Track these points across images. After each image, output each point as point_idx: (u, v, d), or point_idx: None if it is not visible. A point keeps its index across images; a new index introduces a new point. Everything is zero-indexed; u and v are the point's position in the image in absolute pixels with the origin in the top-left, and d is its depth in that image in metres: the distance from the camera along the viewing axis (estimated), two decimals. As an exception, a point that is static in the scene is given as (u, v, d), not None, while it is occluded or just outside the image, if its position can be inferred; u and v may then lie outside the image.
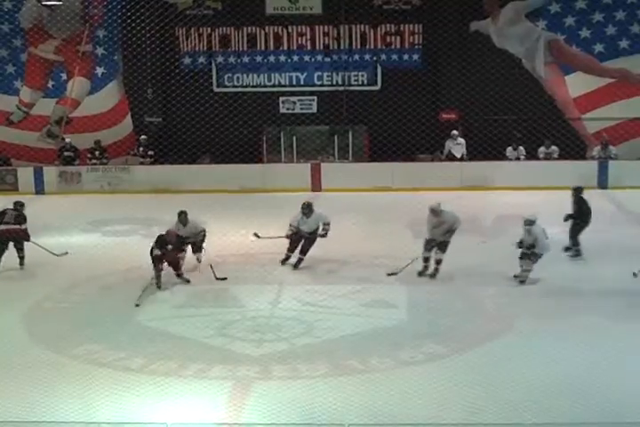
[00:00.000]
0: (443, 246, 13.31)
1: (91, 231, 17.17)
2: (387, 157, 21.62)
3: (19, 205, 14.56)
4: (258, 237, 13.88)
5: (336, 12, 22.92)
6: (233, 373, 9.82)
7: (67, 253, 14.90)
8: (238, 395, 9.32)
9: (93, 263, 14.35)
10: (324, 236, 13.80)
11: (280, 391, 9.24)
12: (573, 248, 14.34)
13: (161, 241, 12.74)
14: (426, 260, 13.39)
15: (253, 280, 13.36)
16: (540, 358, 9.97)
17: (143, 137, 22.71)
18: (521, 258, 13.05)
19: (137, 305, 12.01)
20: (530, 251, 12.90)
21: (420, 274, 13.36)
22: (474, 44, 22.29)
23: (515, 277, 13.10)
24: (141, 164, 22.32)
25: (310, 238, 13.82)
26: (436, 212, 13.28)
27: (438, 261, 13.34)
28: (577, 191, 14.50)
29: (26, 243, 14.37)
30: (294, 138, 22.90)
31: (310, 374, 9.74)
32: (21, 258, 14.37)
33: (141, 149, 22.54)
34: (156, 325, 11.49)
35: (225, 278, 13.23)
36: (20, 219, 14.35)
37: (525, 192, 19.26)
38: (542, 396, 8.93)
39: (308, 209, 13.81)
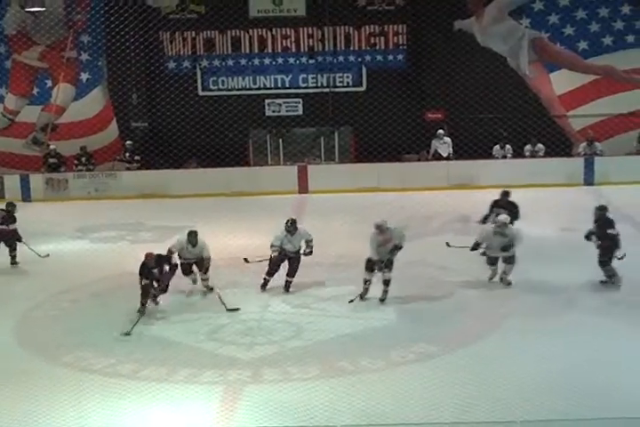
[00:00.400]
0: (389, 264, 12.17)
1: (79, 238, 17.07)
2: (373, 158, 21.60)
3: (10, 206, 14.68)
4: (247, 261, 13.55)
5: (320, 14, 22.90)
6: (224, 377, 9.82)
7: (48, 255, 14.97)
8: (230, 399, 9.32)
9: (82, 270, 14.31)
10: (308, 254, 12.99)
11: (272, 395, 9.25)
12: None
13: (145, 270, 11.86)
14: (366, 282, 12.27)
15: (243, 284, 13.31)
16: (530, 356, 10.02)
17: (129, 142, 22.62)
18: (492, 263, 12.95)
19: (128, 334, 11.16)
20: (508, 252, 12.79)
21: (362, 297, 12.26)
22: (458, 43, 22.26)
23: (489, 279, 13.03)
24: (128, 169, 22.21)
25: (296, 258, 12.92)
26: (382, 229, 12.21)
27: (387, 282, 12.23)
28: (505, 195, 14.39)
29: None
30: (280, 140, 22.89)
31: (301, 376, 9.76)
32: (13, 257, 14.64)
33: (128, 154, 22.43)
34: (146, 330, 11.43)
35: (238, 309, 12.13)
36: (9, 219, 14.41)
37: (512, 190, 19.26)
38: (533, 393, 8.97)
39: (292, 226, 12.77)
